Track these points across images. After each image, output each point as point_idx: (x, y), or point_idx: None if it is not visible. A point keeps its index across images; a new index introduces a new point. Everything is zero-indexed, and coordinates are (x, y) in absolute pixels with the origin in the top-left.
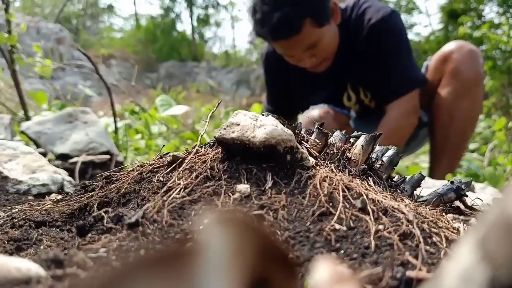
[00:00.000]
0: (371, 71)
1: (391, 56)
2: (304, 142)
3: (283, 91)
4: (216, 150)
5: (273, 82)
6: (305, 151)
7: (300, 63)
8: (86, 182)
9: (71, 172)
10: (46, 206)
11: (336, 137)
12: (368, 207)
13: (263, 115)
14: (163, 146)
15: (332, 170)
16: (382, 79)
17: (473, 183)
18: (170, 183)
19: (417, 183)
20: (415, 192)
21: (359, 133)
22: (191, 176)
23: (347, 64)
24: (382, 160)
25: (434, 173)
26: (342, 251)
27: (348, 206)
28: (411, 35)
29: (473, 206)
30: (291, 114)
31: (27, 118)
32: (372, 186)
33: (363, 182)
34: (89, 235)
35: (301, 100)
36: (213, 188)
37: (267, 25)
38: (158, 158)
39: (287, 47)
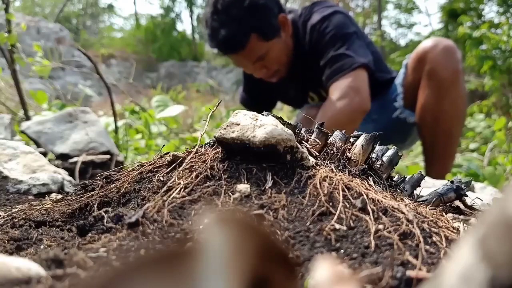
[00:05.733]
0: (318, 69)
1: (329, 49)
2: (304, 142)
3: (256, 86)
4: (216, 150)
5: (246, 75)
6: (305, 150)
7: (254, 73)
8: (86, 182)
9: (71, 172)
10: (46, 206)
11: (336, 136)
12: (368, 207)
13: (263, 114)
14: (163, 146)
15: (332, 169)
16: (321, 71)
17: (473, 183)
18: (170, 183)
19: (417, 182)
20: (415, 191)
21: (359, 132)
22: (191, 176)
23: (302, 70)
24: (382, 160)
25: (429, 174)
26: (342, 251)
27: (348, 205)
28: (411, 35)
29: (473, 206)
30: (263, 105)
31: (27, 117)
32: (372, 185)
33: (363, 182)
34: (89, 234)
35: (272, 97)
36: (213, 187)
37: (215, 40)
38: (158, 158)
39: (236, 60)
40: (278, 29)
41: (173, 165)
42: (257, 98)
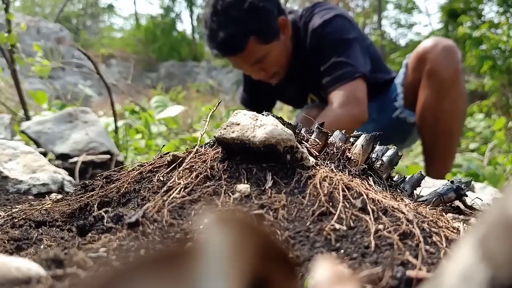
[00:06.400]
0: (318, 72)
1: (330, 55)
2: (304, 142)
3: (256, 86)
4: (216, 150)
5: (246, 75)
6: (305, 150)
7: (252, 75)
8: (86, 182)
9: (71, 172)
10: (46, 206)
11: (336, 136)
12: (368, 207)
13: (263, 114)
14: (163, 146)
15: (332, 169)
16: (322, 76)
17: (473, 183)
18: (170, 183)
19: (417, 182)
20: (415, 191)
21: (359, 132)
22: (191, 176)
23: (302, 71)
24: (382, 160)
25: (429, 174)
26: (342, 251)
27: (348, 205)
28: (411, 35)
29: (473, 206)
30: (263, 105)
31: (27, 117)
32: (372, 185)
33: (363, 182)
34: (89, 234)
35: (272, 97)
36: (213, 187)
37: (214, 42)
38: (158, 158)
39: (235, 62)
40: (278, 31)
41: (173, 165)
42: (257, 98)
